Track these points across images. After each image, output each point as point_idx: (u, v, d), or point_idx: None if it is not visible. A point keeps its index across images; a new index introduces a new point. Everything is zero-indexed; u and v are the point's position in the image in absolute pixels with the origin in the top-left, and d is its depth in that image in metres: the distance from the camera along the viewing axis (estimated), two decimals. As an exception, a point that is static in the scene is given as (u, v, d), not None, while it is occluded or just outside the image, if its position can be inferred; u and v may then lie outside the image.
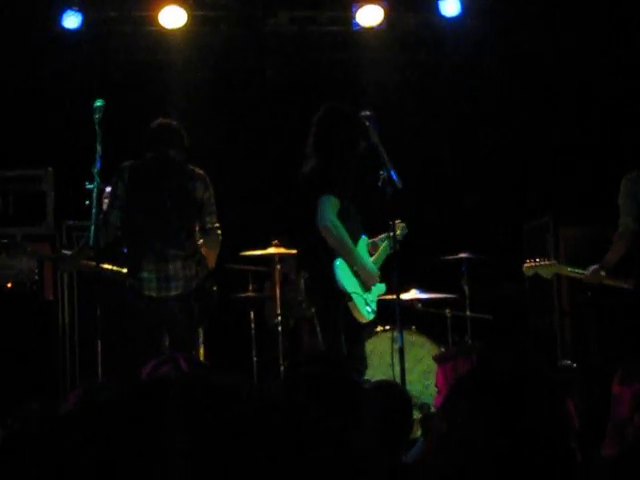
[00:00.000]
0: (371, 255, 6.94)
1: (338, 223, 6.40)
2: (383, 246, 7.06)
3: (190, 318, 6.59)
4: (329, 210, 6.41)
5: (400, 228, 6.99)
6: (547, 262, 7.30)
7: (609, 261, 6.94)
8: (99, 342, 6.11)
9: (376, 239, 7.11)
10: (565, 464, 1.97)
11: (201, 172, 6.77)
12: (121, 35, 9.46)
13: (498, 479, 1.93)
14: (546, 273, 7.29)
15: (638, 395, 6.12)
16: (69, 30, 9.00)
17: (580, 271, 7.07)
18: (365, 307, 6.57)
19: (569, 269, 7.24)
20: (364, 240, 6.79)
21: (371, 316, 6.66)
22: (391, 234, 6.71)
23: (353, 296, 6.46)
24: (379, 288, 6.76)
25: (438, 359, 7.96)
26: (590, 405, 7.01)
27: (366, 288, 6.61)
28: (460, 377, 2.15)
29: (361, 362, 6.67)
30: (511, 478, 1.93)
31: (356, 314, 6.52)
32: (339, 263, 6.43)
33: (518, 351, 8.77)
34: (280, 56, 9.84)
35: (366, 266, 6.62)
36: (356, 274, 6.54)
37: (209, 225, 6.78)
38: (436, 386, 7.81)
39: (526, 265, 7.28)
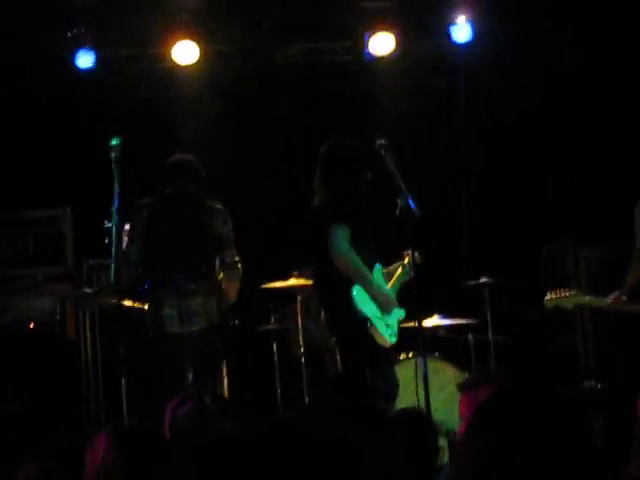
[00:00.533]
0: (386, 283, 6.94)
1: (351, 251, 6.42)
2: (398, 274, 7.05)
3: (213, 352, 6.60)
4: (341, 239, 6.43)
5: (416, 257, 6.98)
6: (568, 293, 7.25)
7: (629, 283, 6.91)
8: (123, 380, 6.11)
9: (390, 267, 7.11)
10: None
11: (220, 207, 6.80)
12: (135, 72, 9.52)
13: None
14: (568, 304, 7.26)
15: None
16: (83, 69, 9.03)
17: (601, 299, 7.03)
18: (387, 330, 6.57)
19: (590, 298, 7.20)
20: (379, 268, 6.79)
21: (393, 339, 6.65)
22: (405, 262, 6.74)
23: (374, 320, 6.47)
24: (398, 313, 6.75)
25: (461, 386, 7.93)
26: (614, 425, 6.98)
27: (385, 313, 6.61)
28: (480, 405, 2.15)
29: (392, 387, 6.64)
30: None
31: (378, 338, 6.52)
32: (356, 291, 6.44)
33: (541, 374, 8.73)
34: (293, 88, 9.88)
35: (382, 291, 6.63)
36: (374, 299, 6.54)
37: (229, 259, 6.81)
38: (460, 414, 7.77)
39: (547, 299, 7.25)
